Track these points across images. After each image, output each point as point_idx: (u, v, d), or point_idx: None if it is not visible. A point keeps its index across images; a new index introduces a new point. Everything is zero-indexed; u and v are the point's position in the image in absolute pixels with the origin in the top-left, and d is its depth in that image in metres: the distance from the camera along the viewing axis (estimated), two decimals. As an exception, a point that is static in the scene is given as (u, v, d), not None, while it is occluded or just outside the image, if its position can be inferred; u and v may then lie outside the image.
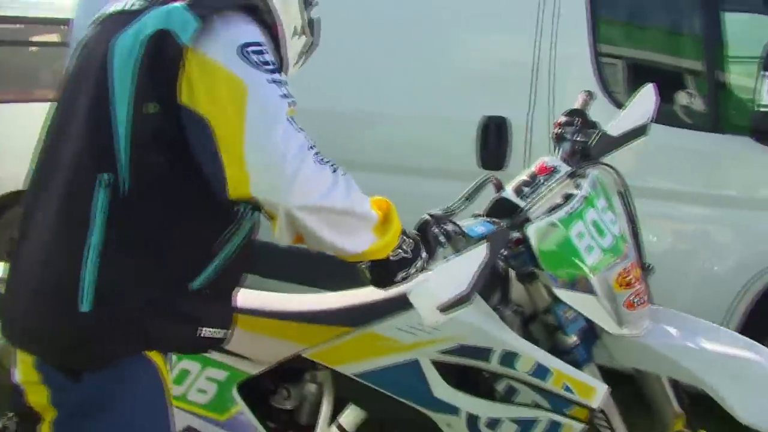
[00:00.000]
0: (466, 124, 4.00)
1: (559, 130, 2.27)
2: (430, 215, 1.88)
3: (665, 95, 3.96)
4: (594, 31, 3.85)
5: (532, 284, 2.10)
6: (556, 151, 2.23)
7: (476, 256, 1.75)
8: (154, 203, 1.63)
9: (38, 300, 1.65)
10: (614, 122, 2.20)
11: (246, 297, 2.23)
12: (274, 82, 1.57)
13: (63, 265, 1.62)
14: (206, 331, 1.74)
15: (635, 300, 2.10)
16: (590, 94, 2.38)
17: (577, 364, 2.08)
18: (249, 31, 1.61)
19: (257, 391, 2.27)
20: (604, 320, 2.09)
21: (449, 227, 1.86)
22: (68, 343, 1.64)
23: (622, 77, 4.02)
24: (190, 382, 2.25)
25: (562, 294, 2.04)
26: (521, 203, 2.06)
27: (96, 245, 1.59)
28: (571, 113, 2.31)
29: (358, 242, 1.69)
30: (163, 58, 1.56)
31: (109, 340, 1.64)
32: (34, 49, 7.65)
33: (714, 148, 3.64)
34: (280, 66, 1.71)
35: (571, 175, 2.14)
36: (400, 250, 1.77)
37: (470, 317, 1.96)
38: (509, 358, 2.00)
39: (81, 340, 1.63)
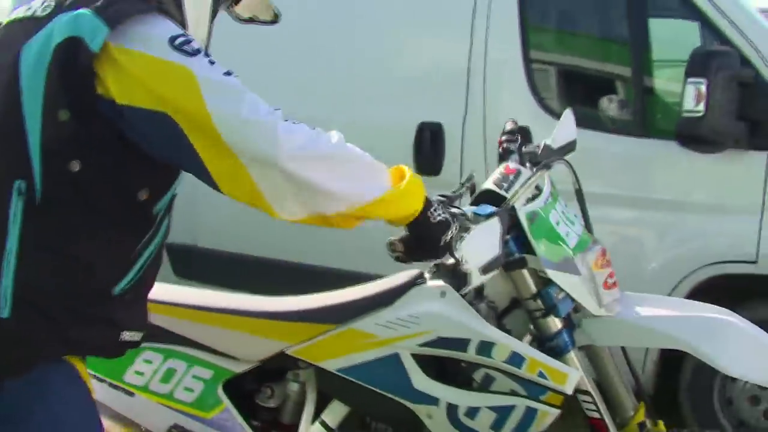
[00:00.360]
0: (402, 129, 4.04)
1: (506, 145, 2.45)
2: (443, 196, 1.99)
3: (594, 100, 4.08)
4: (524, 36, 3.92)
5: (518, 272, 2.20)
6: (507, 161, 2.37)
7: (493, 226, 1.99)
8: (71, 210, 1.60)
9: None
10: (549, 139, 2.36)
11: (230, 298, 2.35)
12: (213, 63, 1.57)
13: None
14: (127, 335, 1.72)
15: (609, 281, 2.25)
16: (514, 120, 2.57)
17: (561, 350, 2.19)
18: (169, 26, 1.60)
19: (242, 389, 2.33)
20: (587, 300, 2.21)
21: (455, 210, 1.93)
22: None
23: (553, 82, 4.10)
24: (177, 380, 2.30)
25: (553, 274, 2.15)
26: (505, 194, 2.18)
27: (13, 251, 1.56)
28: (510, 132, 2.49)
29: (371, 187, 1.68)
30: (74, 65, 1.53)
31: (27, 345, 1.61)
32: None
33: (641, 152, 3.73)
34: None
35: (545, 167, 2.28)
36: (437, 212, 1.79)
37: (447, 310, 2.09)
38: (485, 347, 2.09)
39: (1, 346, 1.59)
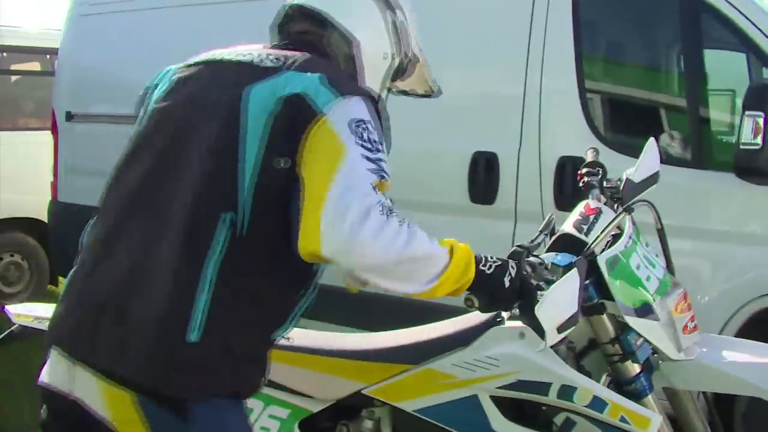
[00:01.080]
0: (457, 158, 4.08)
1: (586, 179, 2.42)
2: (520, 246, 1.96)
3: (649, 130, 4.09)
4: (579, 66, 3.94)
5: (597, 317, 2.18)
6: (590, 196, 2.35)
7: (572, 281, 1.87)
8: (263, 249, 1.74)
9: (146, 327, 1.69)
10: (632, 171, 2.34)
11: (306, 336, 2.31)
12: (370, 159, 1.68)
13: (178, 294, 1.69)
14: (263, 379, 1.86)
15: (690, 325, 2.23)
16: (596, 150, 2.58)
17: (640, 394, 2.16)
18: (364, 110, 1.74)
19: (317, 427, 2.33)
20: (666, 345, 2.18)
21: (533, 260, 1.95)
22: (174, 371, 1.69)
23: (608, 113, 4.13)
24: (254, 419, 2.28)
25: (632, 321, 2.12)
26: (585, 238, 2.15)
27: (212, 278, 1.69)
28: (591, 164, 2.48)
29: (428, 279, 1.73)
30: (297, 119, 1.69)
31: (206, 372, 1.71)
32: (13, 78, 7.67)
33: (698, 184, 3.73)
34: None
35: (627, 210, 2.26)
36: (488, 264, 1.81)
37: (528, 353, 2.06)
38: (567, 391, 2.07)
39: (187, 369, 1.69)
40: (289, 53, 1.85)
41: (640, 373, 2.18)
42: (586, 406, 2.07)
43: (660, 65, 4.24)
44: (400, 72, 2.07)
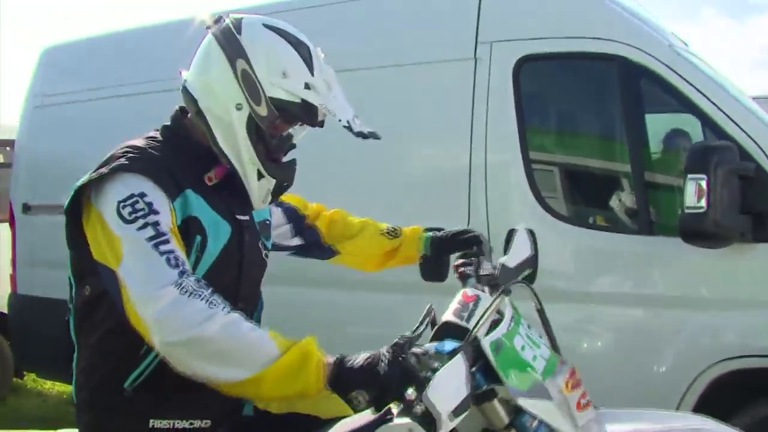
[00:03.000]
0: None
1: (462, 269, 2.39)
2: (401, 337, 1.89)
3: (596, 199, 4.10)
4: (523, 138, 3.96)
5: (488, 404, 2.08)
6: (467, 285, 2.29)
7: (459, 364, 1.83)
8: (94, 316, 2.04)
9: None
10: (505, 258, 2.30)
11: None
12: (144, 227, 1.86)
13: None
14: (158, 423, 2.01)
15: (583, 402, 2.15)
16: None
17: None
18: (120, 190, 1.92)
19: None
20: (561, 424, 2.09)
21: (417, 350, 1.88)
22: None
23: (554, 183, 4.13)
24: None
25: (526, 402, 2.05)
26: (466, 325, 2.07)
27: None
28: (465, 255, 2.49)
29: (238, 369, 1.75)
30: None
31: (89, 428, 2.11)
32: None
33: (646, 250, 3.71)
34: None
35: (504, 292, 2.17)
36: (356, 359, 1.79)
37: None
38: None
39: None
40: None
41: None
42: None
43: (603, 133, 4.26)
44: (294, 117, 2.07)
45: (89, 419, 2.07)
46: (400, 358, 1.81)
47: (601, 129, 4.30)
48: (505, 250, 2.34)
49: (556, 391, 2.11)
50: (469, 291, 2.21)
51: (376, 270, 2.79)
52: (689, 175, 3.37)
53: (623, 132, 3.88)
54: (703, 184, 3.33)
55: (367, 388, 1.78)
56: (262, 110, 2.02)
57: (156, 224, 1.86)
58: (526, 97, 4.01)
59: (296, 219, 2.56)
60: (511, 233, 2.37)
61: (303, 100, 2.03)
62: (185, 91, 2.09)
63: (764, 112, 3.91)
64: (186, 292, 1.77)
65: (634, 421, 2.26)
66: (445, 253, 2.64)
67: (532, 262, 2.38)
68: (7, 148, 7.30)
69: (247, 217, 2.19)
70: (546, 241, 3.83)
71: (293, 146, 2.18)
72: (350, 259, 2.70)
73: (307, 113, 2.06)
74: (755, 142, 3.52)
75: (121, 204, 1.87)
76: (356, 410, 1.83)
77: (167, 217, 1.91)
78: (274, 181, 2.11)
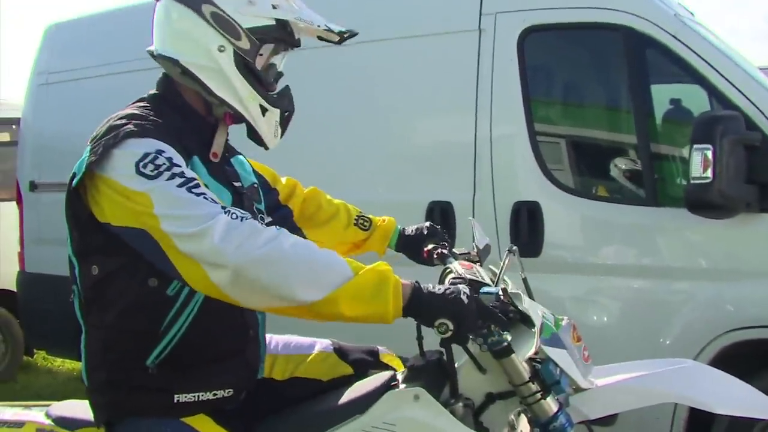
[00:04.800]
0: (413, 208, 4.06)
1: (439, 251, 2.58)
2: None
3: (601, 170, 4.08)
4: (528, 110, 3.94)
5: (508, 358, 2.11)
6: (448, 262, 2.45)
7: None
8: (106, 296, 1.99)
9: None
10: (477, 241, 2.55)
11: None
12: (173, 177, 1.83)
13: None
14: (183, 397, 1.99)
15: (585, 353, 2.25)
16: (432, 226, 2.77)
17: (564, 430, 2.11)
18: (136, 151, 1.87)
19: None
20: (576, 374, 2.16)
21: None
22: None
23: (559, 155, 4.12)
24: None
25: (549, 351, 2.11)
26: (487, 281, 2.17)
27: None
28: (433, 240, 2.66)
29: (313, 289, 1.77)
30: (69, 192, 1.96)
31: (102, 407, 2.08)
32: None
33: (652, 221, 3.71)
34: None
35: (511, 251, 2.27)
36: (436, 287, 1.86)
37: (422, 414, 2.02)
38: None
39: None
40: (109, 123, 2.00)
41: (558, 410, 2.13)
42: None
43: (609, 104, 4.24)
44: (277, 41, 2.12)
45: (110, 399, 2.03)
46: (475, 295, 1.89)
47: (607, 100, 4.28)
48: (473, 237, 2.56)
49: (568, 340, 2.18)
50: (460, 264, 2.33)
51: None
52: (695, 146, 3.35)
53: (629, 103, 3.86)
54: (709, 154, 3.31)
55: (451, 318, 1.82)
56: (244, 43, 2.03)
57: (182, 174, 1.84)
58: (530, 68, 3.99)
59: (267, 192, 2.52)
60: (471, 223, 2.63)
61: (276, 19, 2.07)
62: (161, 57, 2.09)
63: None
64: (237, 217, 1.78)
65: (628, 370, 2.31)
66: (412, 250, 2.69)
67: (489, 249, 2.60)
68: (13, 126, 7.30)
69: (240, 184, 2.21)
70: (552, 213, 3.86)
71: (281, 74, 2.20)
72: (317, 243, 2.71)
73: (284, 32, 2.10)
74: (761, 112, 3.49)
75: (140, 164, 1.83)
76: (442, 337, 1.85)
77: (190, 170, 1.91)
78: (278, 111, 2.12)
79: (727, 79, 3.58)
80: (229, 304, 1.85)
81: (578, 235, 3.95)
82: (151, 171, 1.82)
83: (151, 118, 2.00)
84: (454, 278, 2.08)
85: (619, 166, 3.92)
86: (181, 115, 2.09)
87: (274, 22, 2.07)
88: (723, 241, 3.58)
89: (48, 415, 2.24)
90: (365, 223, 2.70)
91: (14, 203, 6.17)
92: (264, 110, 2.10)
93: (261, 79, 2.09)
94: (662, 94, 4.00)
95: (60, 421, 2.23)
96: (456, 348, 2.02)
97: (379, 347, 2.44)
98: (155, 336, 1.98)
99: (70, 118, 5.83)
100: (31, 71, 6.15)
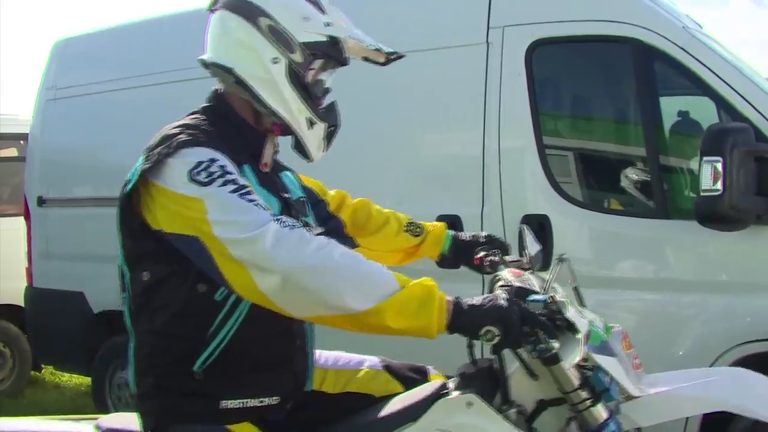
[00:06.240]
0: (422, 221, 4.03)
1: (491, 259, 2.51)
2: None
3: (612, 184, 4.07)
4: (536, 123, 3.93)
5: (558, 365, 2.09)
6: (499, 270, 2.39)
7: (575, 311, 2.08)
8: (152, 303, 2.04)
9: None
10: (529, 249, 2.47)
11: None
12: (226, 183, 1.88)
13: None
14: (229, 403, 2.02)
15: (636, 362, 2.25)
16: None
17: None
18: (188, 160, 1.92)
19: None
20: (626, 382, 2.16)
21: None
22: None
23: (568, 167, 4.10)
24: None
25: (599, 358, 2.11)
26: (536, 288, 2.16)
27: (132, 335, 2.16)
28: (485, 248, 2.59)
29: (365, 295, 1.80)
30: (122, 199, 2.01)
31: (148, 414, 2.11)
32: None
33: (662, 234, 3.69)
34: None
35: (561, 260, 2.28)
36: (474, 298, 1.88)
37: (477, 421, 2.05)
38: None
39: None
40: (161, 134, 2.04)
41: (609, 418, 2.12)
42: None
43: (618, 117, 4.23)
44: (328, 57, 2.16)
45: (157, 405, 2.07)
46: (514, 299, 1.91)
47: (615, 113, 4.27)
48: (521, 244, 2.48)
49: (619, 348, 2.18)
50: (509, 273, 2.28)
51: (394, 265, 2.79)
52: (705, 158, 3.33)
53: (638, 115, 3.85)
54: (719, 166, 3.29)
55: (495, 324, 1.85)
56: (298, 57, 2.10)
57: (234, 181, 1.90)
58: (539, 81, 3.98)
59: (316, 203, 2.55)
60: (521, 231, 2.52)
61: (329, 36, 2.14)
62: (215, 67, 2.13)
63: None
64: (287, 225, 1.83)
65: (679, 379, 2.32)
66: (465, 256, 2.64)
67: (544, 252, 2.56)
68: (21, 142, 7.32)
69: (288, 195, 2.26)
70: (561, 226, 3.85)
71: (328, 90, 2.23)
72: (369, 253, 2.69)
73: (335, 49, 2.16)
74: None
75: (193, 171, 1.88)
76: (491, 344, 1.88)
77: (242, 178, 1.96)
78: (323, 125, 2.18)
79: (736, 91, 3.57)
80: (275, 314, 1.89)
81: (587, 249, 3.93)
82: (205, 178, 1.88)
83: (204, 128, 2.05)
84: (501, 286, 2.09)
85: (629, 178, 3.91)
86: (232, 126, 2.14)
87: (326, 39, 2.13)
88: (734, 253, 3.57)
89: (98, 428, 2.26)
90: (417, 230, 2.70)
91: (22, 218, 6.18)
92: (311, 123, 2.16)
93: (310, 93, 2.14)
94: (671, 107, 3.99)
95: None
96: (507, 355, 2.05)
97: (427, 366, 2.45)
98: (202, 341, 2.02)
99: (78, 134, 5.86)
100: (39, 86, 6.16)
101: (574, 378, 2.10)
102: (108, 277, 5.41)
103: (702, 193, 3.34)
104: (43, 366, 7.12)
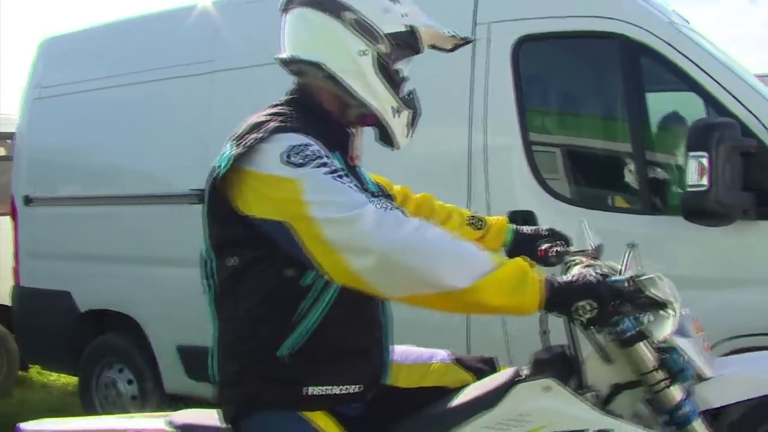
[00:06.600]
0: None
1: (557, 249, 2.58)
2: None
3: (599, 181, 4.07)
4: (523, 120, 3.93)
5: (635, 346, 2.15)
6: (565, 259, 2.46)
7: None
8: (250, 291, 2.06)
9: None
10: (591, 241, 2.49)
11: None
12: (320, 166, 1.90)
13: None
14: (316, 389, 2.05)
15: (706, 344, 2.29)
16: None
17: (689, 418, 2.14)
18: (282, 143, 1.95)
19: None
20: (701, 363, 2.21)
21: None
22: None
23: (555, 164, 4.10)
24: None
25: (677, 339, 2.15)
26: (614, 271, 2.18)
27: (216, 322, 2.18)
28: (548, 239, 2.65)
29: (463, 272, 1.82)
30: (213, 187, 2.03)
31: (228, 402, 2.14)
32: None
33: (649, 230, 3.68)
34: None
35: (631, 246, 2.32)
36: (564, 278, 1.93)
37: (557, 403, 2.08)
38: None
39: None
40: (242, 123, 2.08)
41: (684, 398, 2.16)
42: None
43: (605, 113, 4.23)
44: (407, 47, 2.20)
45: (238, 392, 2.09)
46: (602, 277, 1.95)
47: (602, 109, 4.27)
48: (582, 236, 2.53)
49: (691, 330, 2.23)
50: (580, 264, 2.29)
51: None
52: (691, 153, 3.34)
53: (624, 111, 3.85)
54: (705, 161, 3.30)
55: (589, 299, 1.89)
56: (383, 48, 2.15)
57: (328, 164, 1.92)
58: (525, 78, 3.99)
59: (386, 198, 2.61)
60: (581, 224, 2.57)
61: (408, 26, 2.19)
62: (303, 63, 2.16)
63: (766, 89, 3.88)
64: (383, 207, 1.85)
65: (746, 361, 2.43)
66: (527, 248, 2.66)
67: (603, 246, 2.57)
68: (8, 141, 7.28)
69: (368, 189, 2.28)
70: (548, 223, 3.81)
71: (405, 79, 2.26)
72: None
73: (413, 38, 2.20)
74: (757, 119, 3.48)
75: (287, 154, 1.91)
76: (583, 319, 1.91)
77: (335, 162, 1.98)
78: (408, 113, 2.21)
79: (722, 86, 3.58)
80: (359, 301, 1.99)
81: (574, 245, 3.92)
82: (300, 160, 1.90)
83: (293, 117, 2.08)
84: (586, 266, 2.09)
85: (616, 175, 3.91)
86: (319, 118, 2.16)
87: (406, 29, 2.18)
88: (720, 249, 3.56)
89: (170, 423, 2.29)
90: (479, 223, 2.74)
91: (9, 218, 6.15)
92: (397, 111, 2.19)
93: (395, 82, 2.18)
94: (658, 102, 3.99)
95: (187, 428, 2.28)
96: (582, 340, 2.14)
97: (495, 358, 2.50)
98: (288, 326, 2.03)
99: (65, 132, 5.84)
100: (26, 85, 6.14)
101: (651, 359, 2.14)
102: (94, 277, 5.50)
103: (688, 189, 3.34)
104: (30, 365, 7.08)
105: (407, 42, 2.19)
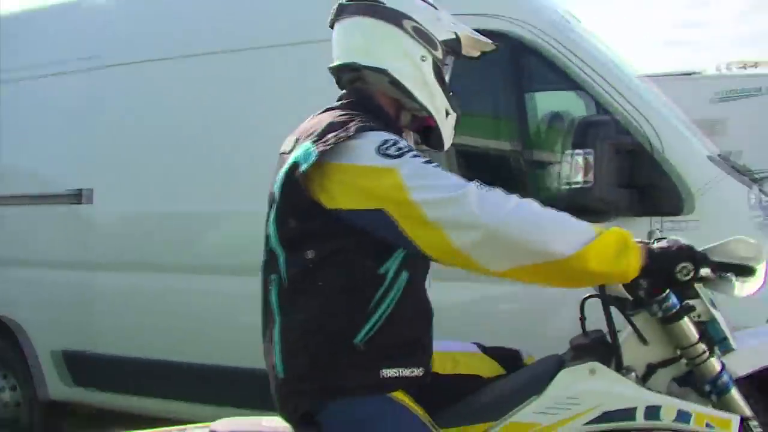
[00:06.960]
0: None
1: None
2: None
3: (485, 179, 4.07)
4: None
5: (679, 322, 2.26)
6: None
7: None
8: (325, 284, 2.12)
9: None
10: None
11: None
12: (416, 156, 2.02)
13: None
14: (389, 372, 2.14)
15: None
16: None
17: (726, 387, 2.27)
18: (373, 138, 2.06)
19: None
20: (730, 334, 2.34)
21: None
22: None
23: (442, 163, 4.09)
24: None
25: (715, 312, 2.31)
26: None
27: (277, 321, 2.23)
28: None
29: (565, 241, 1.95)
30: (295, 183, 2.08)
31: (298, 393, 2.19)
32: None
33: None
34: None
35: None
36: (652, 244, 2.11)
37: (605, 384, 2.20)
38: (653, 411, 2.17)
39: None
40: (309, 124, 2.21)
41: (722, 369, 2.27)
42: (673, 421, 2.17)
43: (493, 112, 4.23)
44: (453, 53, 2.36)
45: (311, 384, 2.14)
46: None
47: (491, 108, 4.28)
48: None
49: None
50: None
51: None
52: (574, 150, 3.41)
53: (512, 111, 3.89)
54: (590, 158, 3.36)
55: (687, 261, 2.07)
56: (440, 54, 2.29)
57: (423, 156, 2.04)
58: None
59: None
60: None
61: (456, 33, 2.36)
62: (368, 70, 2.25)
63: (647, 88, 3.99)
64: (484, 187, 1.99)
65: (758, 336, 2.55)
66: None
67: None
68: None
69: None
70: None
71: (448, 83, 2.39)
72: None
73: (459, 45, 2.36)
74: (635, 118, 3.57)
75: (382, 147, 2.01)
76: (682, 280, 2.09)
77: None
78: (455, 116, 2.36)
79: (610, 85, 3.66)
80: (420, 290, 2.18)
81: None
82: (395, 152, 2.00)
83: (366, 118, 2.15)
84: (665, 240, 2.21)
85: (501, 173, 3.94)
86: (383, 121, 2.22)
87: (454, 36, 2.34)
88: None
89: None
90: None
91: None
92: (447, 114, 2.33)
93: (444, 87, 2.31)
94: (547, 102, 4.04)
95: None
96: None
97: (520, 349, 2.61)
98: (364, 314, 2.11)
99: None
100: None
101: (694, 332, 2.26)
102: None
103: (571, 185, 3.41)
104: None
105: (453, 48, 2.34)
